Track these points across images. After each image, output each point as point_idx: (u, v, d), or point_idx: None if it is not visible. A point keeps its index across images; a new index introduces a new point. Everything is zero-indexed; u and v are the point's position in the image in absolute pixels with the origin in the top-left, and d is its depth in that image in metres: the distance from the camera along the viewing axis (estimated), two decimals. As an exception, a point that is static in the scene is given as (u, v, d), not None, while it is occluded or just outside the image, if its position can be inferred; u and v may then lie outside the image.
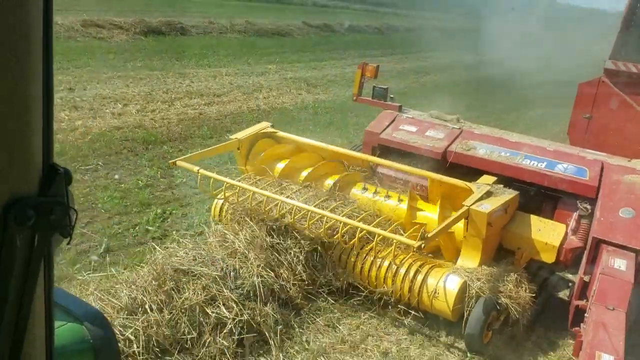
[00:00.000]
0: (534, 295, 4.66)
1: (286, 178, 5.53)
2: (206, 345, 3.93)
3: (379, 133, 5.90)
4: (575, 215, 5.00)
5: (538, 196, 5.36)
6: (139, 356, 3.65)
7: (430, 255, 5.11)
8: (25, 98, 0.76)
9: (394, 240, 4.32)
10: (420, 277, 4.55)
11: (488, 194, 4.73)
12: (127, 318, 3.78)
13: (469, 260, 4.70)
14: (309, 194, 5.14)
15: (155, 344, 3.77)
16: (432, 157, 5.57)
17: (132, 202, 6.49)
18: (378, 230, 4.33)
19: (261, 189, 5.01)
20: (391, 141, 5.81)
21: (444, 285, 4.44)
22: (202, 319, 4.00)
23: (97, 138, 8.44)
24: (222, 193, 5.11)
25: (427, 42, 27.49)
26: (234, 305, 4.13)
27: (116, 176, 7.21)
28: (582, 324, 4.24)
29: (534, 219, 4.94)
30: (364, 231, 4.44)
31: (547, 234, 4.80)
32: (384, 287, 4.67)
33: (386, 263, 4.67)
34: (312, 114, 12.14)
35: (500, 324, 4.61)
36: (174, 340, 3.87)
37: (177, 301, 4.01)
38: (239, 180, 5.25)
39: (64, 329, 1.23)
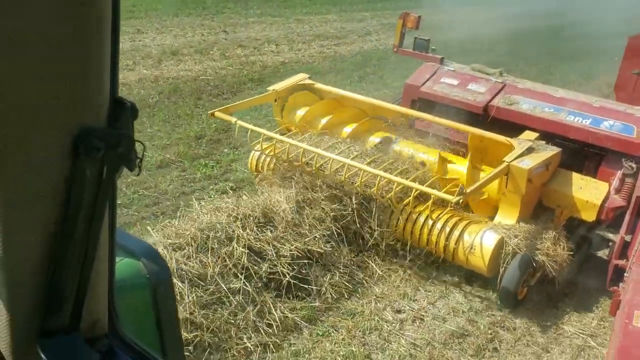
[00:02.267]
0: (571, 253, 4.62)
1: (328, 134, 5.52)
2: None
3: (419, 86, 5.78)
4: (619, 173, 4.86)
5: (581, 154, 5.23)
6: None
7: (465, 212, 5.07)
8: (94, 34, 0.76)
9: (432, 196, 4.29)
10: (456, 233, 4.54)
11: (529, 150, 4.63)
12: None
13: (507, 216, 4.65)
14: (349, 148, 5.11)
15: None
16: (473, 112, 5.46)
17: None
18: (415, 185, 4.31)
19: (307, 143, 5.00)
20: (432, 94, 5.69)
21: (481, 241, 4.43)
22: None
23: (276, 69, 10.74)
24: (260, 145, 5.14)
25: None
26: None
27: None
28: (620, 284, 4.20)
29: (576, 176, 4.83)
30: (401, 186, 4.42)
31: (588, 192, 4.70)
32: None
33: (422, 218, 4.67)
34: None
35: (537, 281, 4.60)
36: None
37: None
38: (279, 134, 5.25)
39: (122, 264, 1.27)
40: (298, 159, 4.90)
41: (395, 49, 6.39)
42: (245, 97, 8.21)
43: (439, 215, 4.64)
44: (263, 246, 4.21)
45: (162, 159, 6.41)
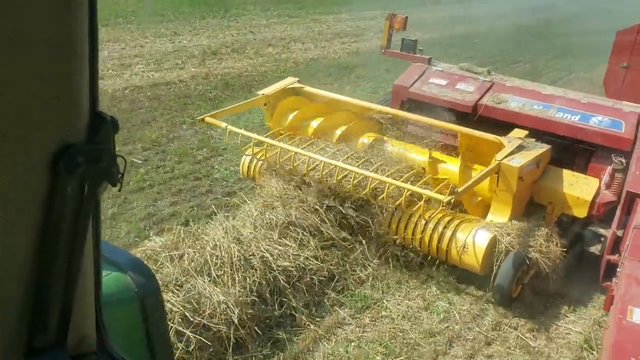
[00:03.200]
0: (564, 249, 4.63)
1: (320, 136, 5.51)
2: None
3: (408, 87, 5.80)
4: (609, 169, 4.89)
5: (571, 150, 5.25)
6: None
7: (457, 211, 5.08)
8: (72, 46, 0.75)
9: (423, 195, 4.29)
10: (449, 232, 4.54)
11: (519, 148, 4.64)
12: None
13: (499, 215, 4.66)
14: (340, 150, 5.11)
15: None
16: (463, 111, 5.47)
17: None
18: (407, 185, 4.31)
19: (298, 147, 4.99)
20: (421, 95, 5.71)
21: (474, 240, 4.43)
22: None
23: (307, 65, 11.81)
24: (251, 149, 5.12)
25: None
26: None
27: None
28: (613, 279, 4.21)
29: (567, 173, 4.85)
30: (392, 186, 4.42)
31: (579, 188, 4.72)
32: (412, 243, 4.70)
33: (414, 219, 4.67)
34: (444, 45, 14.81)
35: (530, 278, 4.60)
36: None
37: None
38: (275, 139, 5.23)
39: (109, 278, 1.25)
40: (289, 163, 4.89)
41: (382, 51, 6.40)
42: None
43: (432, 215, 4.65)
44: None
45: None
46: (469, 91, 5.57)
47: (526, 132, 4.94)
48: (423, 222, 4.63)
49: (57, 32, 0.72)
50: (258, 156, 5.38)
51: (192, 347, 3.45)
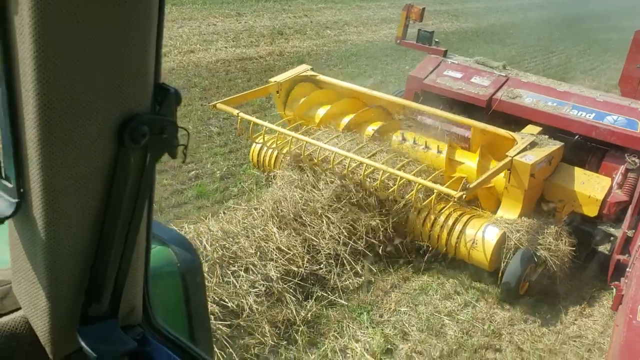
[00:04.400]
0: (573, 248, 4.61)
1: (327, 124, 5.47)
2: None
3: (422, 78, 5.76)
4: (622, 168, 4.86)
5: (584, 148, 5.22)
6: None
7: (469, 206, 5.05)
8: (142, 21, 0.75)
9: (435, 190, 4.28)
10: (458, 227, 4.53)
11: (532, 145, 4.61)
12: None
13: (509, 211, 4.64)
14: (349, 140, 5.09)
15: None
16: (476, 105, 5.44)
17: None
18: (419, 180, 4.29)
19: (310, 137, 4.96)
20: (435, 87, 5.67)
21: (483, 235, 4.42)
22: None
23: (365, 47, 12.66)
24: (262, 137, 5.11)
25: None
26: None
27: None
28: (622, 279, 4.19)
29: (578, 171, 4.82)
30: (403, 179, 4.41)
31: (591, 187, 4.70)
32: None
33: (425, 213, 4.66)
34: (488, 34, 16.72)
35: (538, 276, 4.60)
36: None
37: None
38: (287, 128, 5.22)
39: (154, 252, 1.26)
40: (300, 152, 4.88)
41: (398, 41, 6.35)
42: (354, 69, 10.87)
43: (442, 209, 4.64)
44: None
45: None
46: (483, 85, 5.52)
47: (539, 129, 4.91)
48: (433, 216, 4.62)
49: (131, 8, 0.73)
50: (268, 144, 5.37)
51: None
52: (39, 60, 0.68)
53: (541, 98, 5.31)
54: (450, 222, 4.58)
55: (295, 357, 3.69)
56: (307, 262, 4.31)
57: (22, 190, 0.79)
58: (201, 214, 4.83)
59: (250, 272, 3.93)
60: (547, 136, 4.80)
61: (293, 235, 4.42)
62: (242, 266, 3.93)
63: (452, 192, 3.97)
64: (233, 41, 11.59)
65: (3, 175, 0.81)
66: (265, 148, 5.58)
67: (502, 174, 4.58)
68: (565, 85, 5.63)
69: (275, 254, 4.19)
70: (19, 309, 0.97)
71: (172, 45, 10.41)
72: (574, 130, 5.09)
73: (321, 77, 5.83)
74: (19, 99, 0.73)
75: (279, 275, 4.03)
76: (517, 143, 4.60)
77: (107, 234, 0.86)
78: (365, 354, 3.80)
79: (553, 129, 5.05)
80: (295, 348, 3.74)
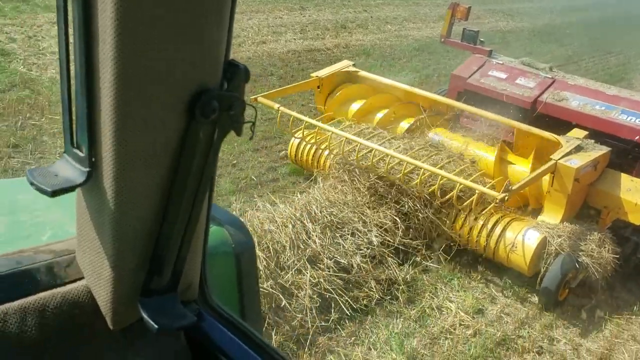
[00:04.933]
0: (617, 256, 4.50)
1: (361, 119, 5.46)
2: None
3: (466, 78, 5.68)
4: (672, 176, 4.71)
5: (632, 154, 5.07)
6: None
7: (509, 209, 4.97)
8: (220, 9, 0.76)
9: (476, 191, 4.22)
10: (498, 230, 4.47)
11: (577, 149, 4.51)
12: None
13: (551, 215, 4.55)
14: (390, 140, 5.05)
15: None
16: (521, 106, 5.34)
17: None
18: (460, 179, 4.24)
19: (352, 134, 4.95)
20: (478, 87, 5.59)
21: (523, 239, 4.35)
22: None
23: (425, 43, 13.06)
24: (301, 132, 5.12)
25: None
26: None
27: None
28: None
29: (625, 177, 4.69)
30: (444, 179, 4.36)
31: (637, 194, 4.56)
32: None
33: (464, 214, 4.60)
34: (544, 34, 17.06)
35: (579, 282, 4.50)
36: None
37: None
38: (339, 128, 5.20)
39: (210, 232, 1.28)
40: (339, 148, 4.88)
41: (442, 40, 6.28)
42: (418, 62, 11.35)
43: (481, 211, 4.57)
44: None
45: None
46: (529, 87, 5.42)
47: (586, 133, 4.79)
48: (472, 217, 4.56)
49: None
50: (307, 139, 5.38)
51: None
52: (118, 28, 0.68)
53: (588, 101, 5.18)
54: (489, 224, 4.51)
55: (397, 310, 4.22)
56: (402, 233, 4.68)
57: (93, 159, 0.79)
58: (297, 188, 5.42)
59: (356, 236, 4.45)
60: (593, 141, 4.69)
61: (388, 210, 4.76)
62: (348, 231, 4.45)
63: (494, 194, 3.91)
64: (300, 33, 12.18)
65: (75, 144, 0.81)
66: (304, 143, 5.59)
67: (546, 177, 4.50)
68: (614, 88, 5.47)
69: (374, 224, 4.59)
70: (81, 278, 0.98)
71: (245, 35, 10.89)
72: (622, 135, 4.94)
73: (362, 73, 5.82)
74: (96, 69, 0.73)
75: (380, 240, 4.52)
76: (562, 146, 4.50)
77: (172, 207, 0.86)
78: (460, 312, 4.29)
79: (600, 133, 4.93)
80: (397, 303, 4.28)
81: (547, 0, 24.24)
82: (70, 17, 0.73)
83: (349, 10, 15.65)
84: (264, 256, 3.86)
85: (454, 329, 4.13)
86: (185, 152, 0.82)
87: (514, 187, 3.93)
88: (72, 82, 0.77)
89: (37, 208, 1.35)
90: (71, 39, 0.74)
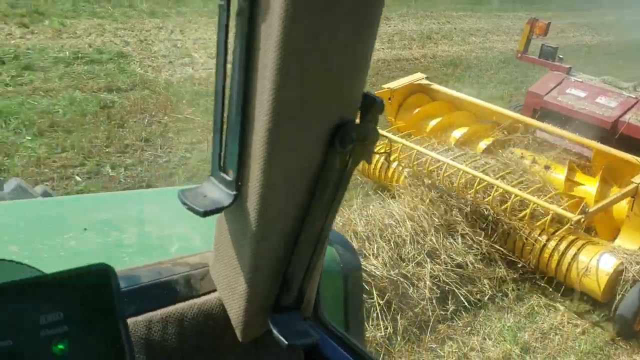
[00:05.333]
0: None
1: (437, 136, 5.41)
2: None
3: (543, 95, 5.54)
4: None
5: None
6: None
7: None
8: (372, 33, 0.78)
9: (550, 211, 4.11)
10: (571, 252, 4.32)
11: None
12: None
13: (630, 241, 4.36)
14: (462, 156, 4.97)
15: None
16: (601, 126, 5.15)
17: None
18: (534, 199, 4.14)
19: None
20: (556, 105, 5.44)
21: (597, 263, 4.18)
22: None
23: (509, 56, 12.12)
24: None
25: None
26: None
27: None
28: None
29: None
30: (517, 197, 4.27)
31: None
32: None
33: (535, 234, 4.48)
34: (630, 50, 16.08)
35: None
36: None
37: None
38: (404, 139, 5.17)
39: None
40: (410, 162, 4.86)
41: (518, 55, 6.16)
42: (505, 75, 11.32)
43: (554, 232, 4.44)
44: None
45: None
46: (610, 106, 5.23)
47: None
48: (544, 238, 4.43)
49: (365, 21, 0.76)
50: (377, 149, 5.36)
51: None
52: (279, 63, 0.71)
53: None
54: (562, 246, 4.37)
55: (508, 306, 4.41)
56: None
57: (239, 183, 0.83)
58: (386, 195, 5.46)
59: (468, 237, 4.59)
60: None
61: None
62: (459, 232, 4.61)
63: (570, 215, 3.80)
64: (388, 43, 12.34)
65: (222, 168, 0.86)
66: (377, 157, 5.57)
67: (623, 201, 4.32)
68: None
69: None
70: (214, 290, 1.03)
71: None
72: None
73: (435, 86, 5.77)
74: (252, 98, 0.77)
75: (488, 241, 4.63)
76: (644, 170, 4.32)
77: (305, 229, 0.90)
78: (569, 311, 4.47)
79: None
80: (507, 300, 4.46)
81: (636, 14, 23.16)
82: (229, 51, 0.77)
83: (433, 22, 15.79)
84: (388, 247, 4.18)
85: (563, 326, 4.33)
86: (321, 180, 0.85)
87: (590, 210, 3.80)
88: (225, 109, 0.81)
89: (163, 220, 1.42)
90: (228, 72, 0.78)
